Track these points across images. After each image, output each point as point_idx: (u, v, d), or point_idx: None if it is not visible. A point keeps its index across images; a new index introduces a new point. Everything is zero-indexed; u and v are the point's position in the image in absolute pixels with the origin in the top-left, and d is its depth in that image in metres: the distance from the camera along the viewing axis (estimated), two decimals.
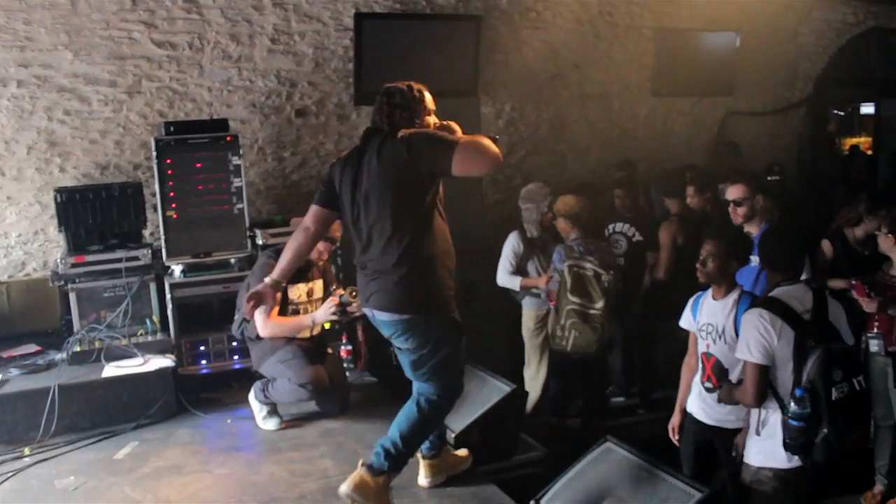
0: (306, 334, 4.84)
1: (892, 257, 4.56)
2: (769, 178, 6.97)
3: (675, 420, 3.99)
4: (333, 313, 4.56)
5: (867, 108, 10.84)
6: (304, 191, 6.42)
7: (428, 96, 3.61)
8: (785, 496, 3.33)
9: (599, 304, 4.96)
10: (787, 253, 3.51)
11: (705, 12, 7.76)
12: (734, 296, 3.66)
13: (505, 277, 5.62)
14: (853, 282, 4.48)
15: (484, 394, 4.77)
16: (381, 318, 3.55)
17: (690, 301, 3.91)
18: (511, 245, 5.62)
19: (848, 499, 4.71)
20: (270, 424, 4.73)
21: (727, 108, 8.20)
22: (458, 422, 4.64)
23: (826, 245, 5.18)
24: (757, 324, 3.22)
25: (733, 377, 3.58)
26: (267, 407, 4.76)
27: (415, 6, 6.44)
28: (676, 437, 3.98)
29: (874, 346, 4.46)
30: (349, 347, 5.55)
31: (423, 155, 3.34)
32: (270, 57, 6.04)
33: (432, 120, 3.60)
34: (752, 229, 4.46)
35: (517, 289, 5.63)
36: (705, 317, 3.75)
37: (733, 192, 4.53)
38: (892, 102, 10.18)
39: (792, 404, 3.12)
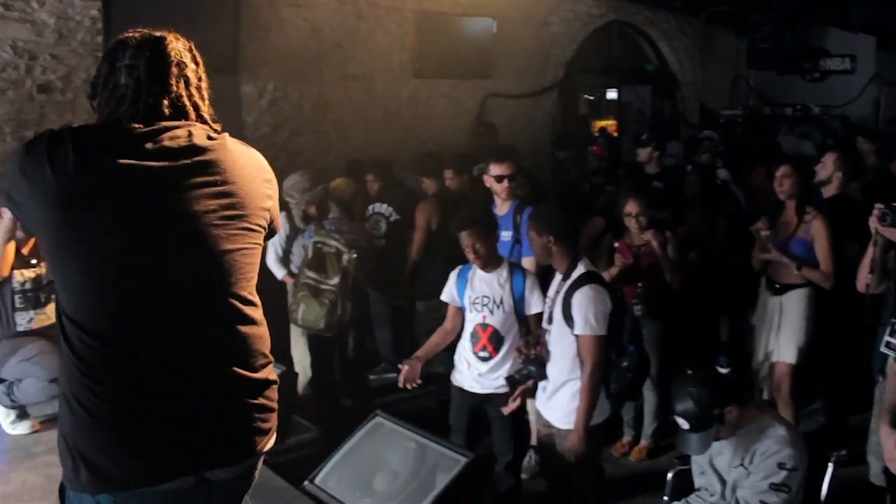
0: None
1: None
2: None
3: (410, 370, 3.84)
4: None
5: (612, 94, 11.85)
6: None
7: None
8: (596, 448, 3.63)
9: (334, 281, 4.87)
10: (573, 226, 3.75)
11: None
12: (506, 267, 3.88)
13: (273, 263, 5.49)
14: (615, 244, 4.72)
15: None
16: None
17: (454, 275, 4.00)
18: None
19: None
20: (21, 428, 4.36)
21: (486, 91, 8.57)
22: None
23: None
24: (596, 298, 3.40)
25: (507, 343, 3.80)
26: (15, 410, 4.37)
27: None
28: (414, 384, 3.87)
29: (637, 310, 4.56)
30: None
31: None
32: (4, 25, 5.47)
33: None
34: (504, 206, 4.63)
35: (279, 278, 5.52)
36: (478, 289, 3.87)
37: (498, 169, 4.62)
38: (631, 89, 11.21)
39: (625, 360, 3.47)
